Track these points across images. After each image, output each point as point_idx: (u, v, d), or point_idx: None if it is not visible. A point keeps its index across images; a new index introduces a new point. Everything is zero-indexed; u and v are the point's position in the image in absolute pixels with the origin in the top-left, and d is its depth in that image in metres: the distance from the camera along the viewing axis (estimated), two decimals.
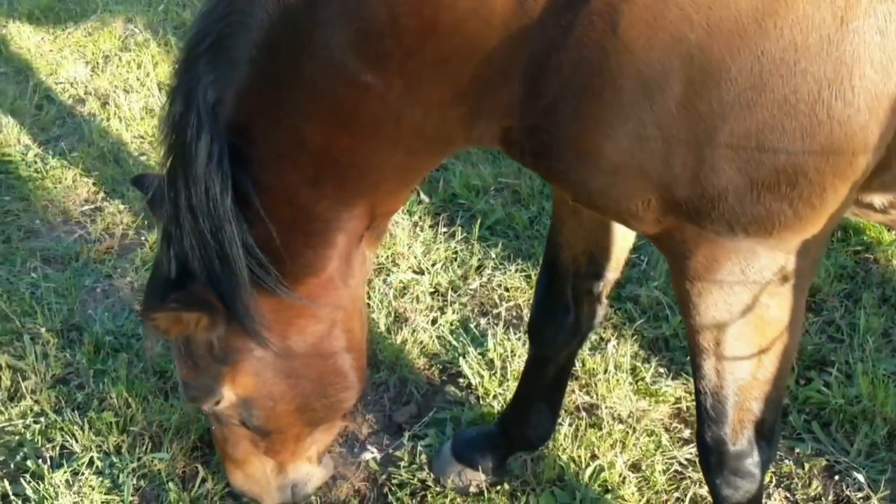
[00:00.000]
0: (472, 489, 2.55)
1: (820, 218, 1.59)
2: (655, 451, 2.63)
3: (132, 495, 2.52)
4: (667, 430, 2.71)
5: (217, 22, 1.69)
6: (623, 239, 2.18)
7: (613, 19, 1.47)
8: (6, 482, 2.57)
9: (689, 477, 2.55)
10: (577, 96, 1.54)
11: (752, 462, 1.86)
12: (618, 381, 2.83)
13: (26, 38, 4.87)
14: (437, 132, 1.75)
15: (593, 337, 3.00)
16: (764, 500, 2.48)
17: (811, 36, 1.41)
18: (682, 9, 1.43)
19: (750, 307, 1.66)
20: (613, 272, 2.23)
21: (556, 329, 2.28)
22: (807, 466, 2.58)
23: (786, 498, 2.53)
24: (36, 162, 3.93)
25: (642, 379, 2.85)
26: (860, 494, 2.48)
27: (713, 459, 1.88)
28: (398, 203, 2.02)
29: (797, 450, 2.63)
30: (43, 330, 3.04)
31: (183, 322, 1.89)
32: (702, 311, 1.69)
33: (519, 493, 2.54)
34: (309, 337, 2.00)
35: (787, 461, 2.61)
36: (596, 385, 2.83)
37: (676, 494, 2.53)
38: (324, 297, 1.95)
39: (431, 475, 2.59)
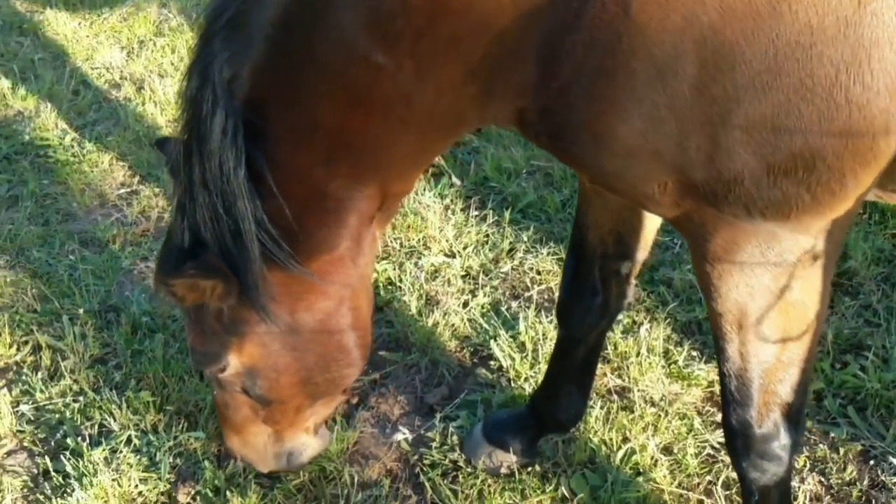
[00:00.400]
0: (503, 470, 2.56)
1: (840, 203, 1.57)
2: (687, 434, 2.62)
3: (168, 473, 2.56)
4: (699, 413, 2.70)
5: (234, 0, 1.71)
6: (650, 219, 2.16)
7: (625, 1, 1.46)
8: (47, 459, 2.62)
9: (722, 460, 2.53)
10: (590, 78, 1.53)
11: (779, 445, 1.85)
12: (650, 364, 2.82)
13: (63, 24, 4.94)
14: (448, 112, 1.75)
15: (626, 320, 2.99)
16: (798, 484, 2.47)
17: (827, 18, 1.39)
18: None
19: (772, 289, 1.65)
20: (642, 252, 2.21)
21: (585, 310, 2.27)
22: (842, 451, 2.55)
23: (820, 482, 2.51)
24: (73, 146, 3.98)
25: (675, 362, 2.84)
26: (895, 479, 2.46)
27: (739, 442, 1.87)
28: (410, 184, 2.03)
29: (832, 434, 2.61)
30: (81, 311, 3.09)
31: (199, 289, 1.92)
32: (723, 294, 1.68)
33: (550, 475, 2.54)
34: (317, 313, 2.03)
35: (821, 445, 2.58)
36: (628, 368, 2.83)
37: (708, 478, 2.52)
38: (334, 274, 1.98)
39: (463, 456, 2.60)
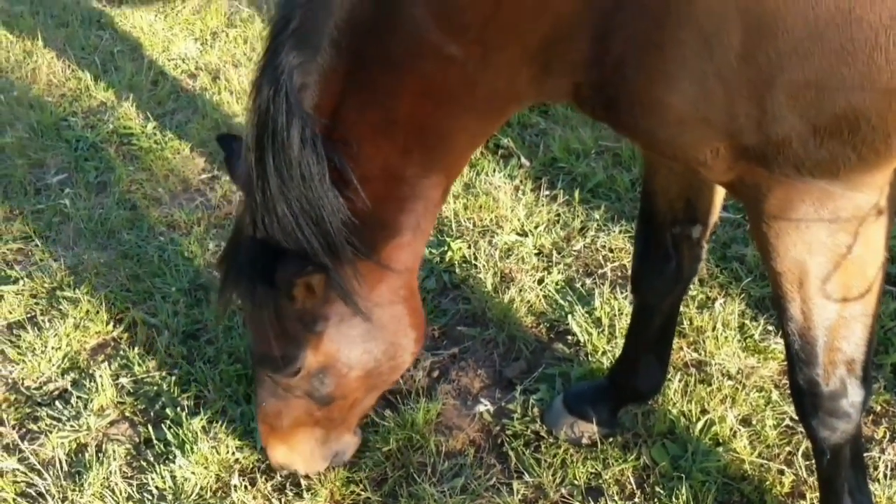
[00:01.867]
0: (585, 440, 2.62)
1: (886, 161, 1.61)
2: (766, 406, 2.66)
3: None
4: (776, 386, 2.73)
5: (299, 7, 1.76)
6: None
7: None
8: (149, 427, 2.77)
9: (801, 432, 2.56)
10: (642, 51, 1.60)
11: (848, 402, 1.88)
12: (726, 338, 2.86)
13: (139, 18, 5.11)
14: (507, 93, 1.83)
15: (700, 296, 3.03)
16: (878, 455, 2.49)
17: None
18: None
19: (829, 246, 1.69)
20: (712, 216, 2.25)
21: (659, 277, 2.32)
22: None
23: None
24: (155, 134, 4.14)
25: (751, 336, 2.87)
26: None
27: (807, 402, 1.91)
28: (462, 166, 2.14)
29: None
30: (173, 289, 3.23)
31: (313, 287, 2.00)
32: (781, 253, 1.72)
33: (631, 445, 2.60)
34: (386, 300, 2.11)
35: None
36: (704, 342, 2.87)
37: (788, 448, 2.55)
38: (399, 259, 2.06)
39: (544, 427, 2.67)
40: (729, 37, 1.51)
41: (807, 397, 1.90)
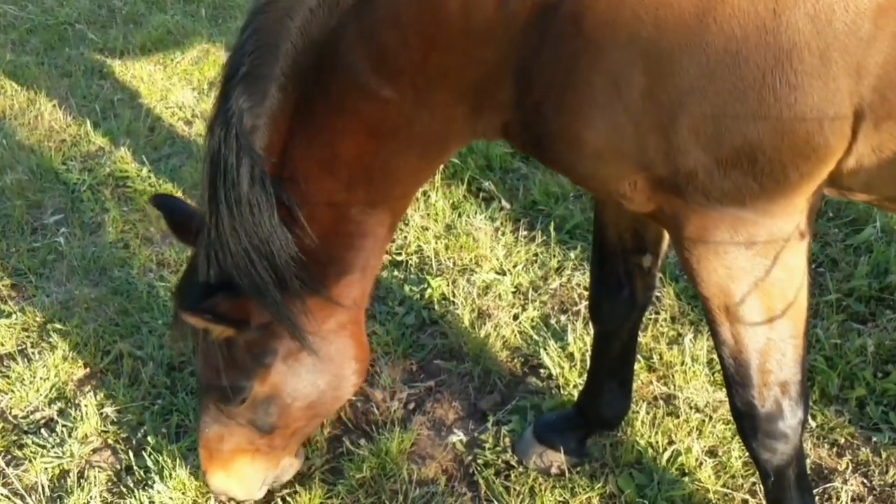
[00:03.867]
0: (554, 470, 2.69)
1: (789, 191, 1.71)
2: (732, 438, 2.72)
3: None
4: None
5: (248, 55, 1.88)
6: None
7: (579, 24, 1.67)
8: (130, 455, 2.84)
9: None
10: (558, 92, 1.74)
11: (784, 424, 1.94)
12: (694, 372, 2.94)
13: (139, 68, 5.30)
14: (443, 131, 1.97)
15: (670, 332, 3.12)
16: (840, 485, 2.56)
17: (749, 27, 1.56)
18: (633, 11, 1.62)
19: (748, 270, 1.77)
20: (661, 245, 2.35)
21: (614, 305, 2.41)
22: (884, 455, 2.63)
23: (862, 483, 2.59)
24: (150, 177, 4.28)
25: (719, 371, 2.94)
26: None
27: (746, 424, 1.97)
28: (407, 204, 2.23)
29: (874, 439, 2.69)
30: (159, 323, 3.33)
31: (211, 330, 2.12)
32: (704, 278, 1.82)
33: (598, 474, 2.67)
34: (334, 334, 2.19)
35: (864, 449, 2.67)
36: (673, 376, 2.94)
37: (752, 479, 2.61)
38: (348, 295, 2.16)
39: (515, 457, 2.74)
40: (633, 77, 1.65)
41: (745, 420, 1.96)
